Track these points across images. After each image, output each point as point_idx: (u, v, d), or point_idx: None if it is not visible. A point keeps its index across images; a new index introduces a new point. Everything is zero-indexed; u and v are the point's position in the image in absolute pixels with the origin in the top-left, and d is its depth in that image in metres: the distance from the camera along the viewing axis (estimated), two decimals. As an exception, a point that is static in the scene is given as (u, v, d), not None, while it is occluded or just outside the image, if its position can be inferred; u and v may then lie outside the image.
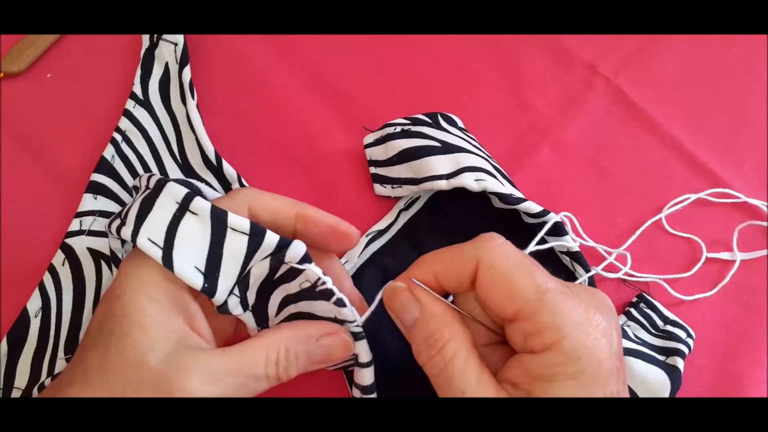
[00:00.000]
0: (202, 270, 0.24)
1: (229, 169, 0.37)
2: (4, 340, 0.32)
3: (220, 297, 0.25)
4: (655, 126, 0.44)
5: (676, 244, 0.40)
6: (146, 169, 0.38)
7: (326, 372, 0.34)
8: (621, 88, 0.45)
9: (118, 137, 0.38)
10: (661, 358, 0.34)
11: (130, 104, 0.39)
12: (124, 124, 0.39)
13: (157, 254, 0.24)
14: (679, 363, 0.33)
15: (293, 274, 0.26)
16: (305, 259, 0.25)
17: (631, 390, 0.33)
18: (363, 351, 0.27)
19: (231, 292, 0.25)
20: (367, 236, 0.36)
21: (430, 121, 0.38)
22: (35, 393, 0.30)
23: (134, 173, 0.37)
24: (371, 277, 0.35)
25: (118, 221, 0.26)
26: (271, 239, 0.25)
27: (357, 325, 0.27)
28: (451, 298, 0.27)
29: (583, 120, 0.44)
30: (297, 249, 0.25)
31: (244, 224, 0.25)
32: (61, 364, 0.32)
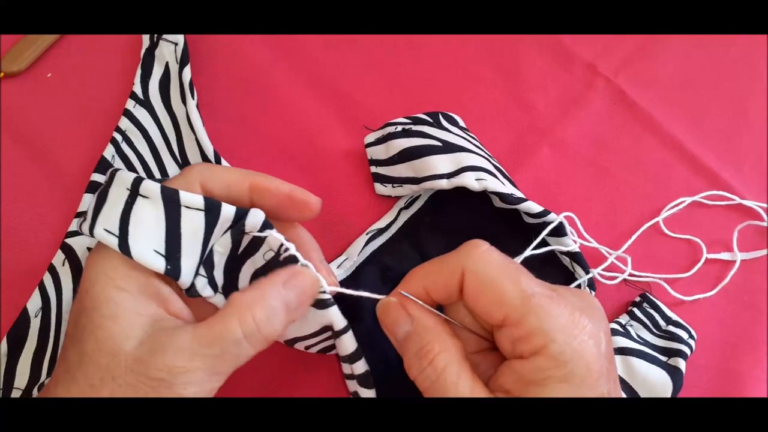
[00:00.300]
0: (163, 253, 0.24)
1: (229, 169, 0.37)
2: (4, 340, 0.32)
3: (186, 279, 0.24)
4: (655, 126, 0.44)
5: (676, 244, 0.40)
6: (146, 168, 0.38)
7: (326, 372, 0.34)
8: (621, 88, 0.45)
9: (118, 137, 0.38)
10: (663, 358, 0.34)
11: (130, 104, 0.39)
12: (125, 123, 0.39)
13: (114, 243, 0.24)
14: (681, 364, 0.33)
15: (256, 244, 0.26)
16: (266, 225, 0.25)
17: (632, 390, 0.33)
18: (336, 318, 0.26)
19: (197, 273, 0.25)
20: (367, 234, 0.36)
21: (431, 121, 0.38)
22: (35, 393, 0.30)
23: (134, 173, 0.37)
24: (371, 275, 0.35)
25: (82, 219, 0.26)
26: (228, 211, 0.25)
27: (324, 292, 0.26)
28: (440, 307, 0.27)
29: (583, 120, 0.44)
30: (255, 216, 0.25)
31: (198, 200, 0.24)
32: (61, 364, 0.32)
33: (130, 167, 0.38)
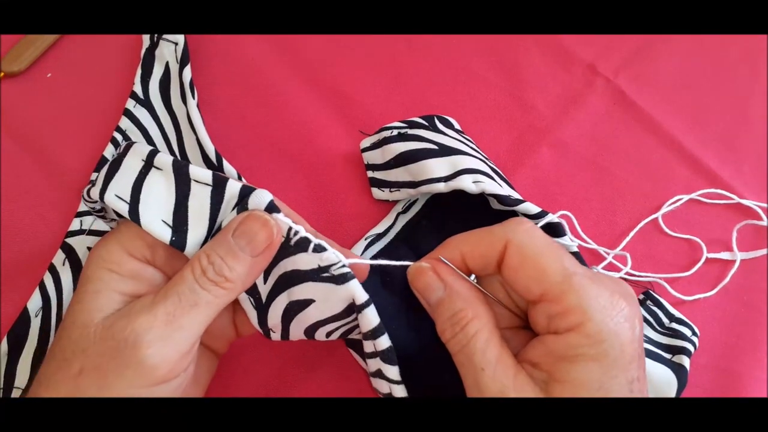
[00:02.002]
0: (170, 223, 0.24)
1: (229, 169, 0.37)
2: (5, 340, 0.32)
3: (191, 250, 0.25)
4: (655, 126, 0.44)
5: (676, 244, 0.40)
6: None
7: (326, 372, 0.34)
8: (621, 88, 0.45)
9: (118, 137, 0.38)
10: (667, 356, 0.34)
11: (130, 104, 0.39)
12: (125, 123, 0.39)
13: (124, 209, 0.24)
14: (685, 361, 0.33)
15: None
16: (271, 208, 0.25)
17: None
18: (357, 290, 0.26)
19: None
20: (365, 240, 0.36)
21: (427, 124, 0.38)
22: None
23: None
24: (370, 280, 0.35)
25: (89, 185, 0.26)
26: (234, 186, 0.25)
27: (342, 265, 0.25)
28: (473, 278, 0.27)
29: (583, 120, 0.44)
30: (261, 197, 0.25)
31: (206, 175, 0.25)
32: (61, 364, 0.32)
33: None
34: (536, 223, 0.33)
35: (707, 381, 0.36)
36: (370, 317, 0.26)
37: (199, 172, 0.25)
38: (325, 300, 0.26)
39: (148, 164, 0.25)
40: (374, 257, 0.36)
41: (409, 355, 0.31)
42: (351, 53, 0.44)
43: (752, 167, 0.43)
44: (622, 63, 0.46)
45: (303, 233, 0.25)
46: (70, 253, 0.35)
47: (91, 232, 0.35)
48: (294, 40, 0.44)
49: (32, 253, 0.35)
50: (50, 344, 0.25)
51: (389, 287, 0.33)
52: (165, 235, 0.24)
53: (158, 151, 0.25)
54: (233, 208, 0.25)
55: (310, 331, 0.28)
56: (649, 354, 0.33)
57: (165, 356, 0.23)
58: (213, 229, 0.25)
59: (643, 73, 0.46)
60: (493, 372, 0.23)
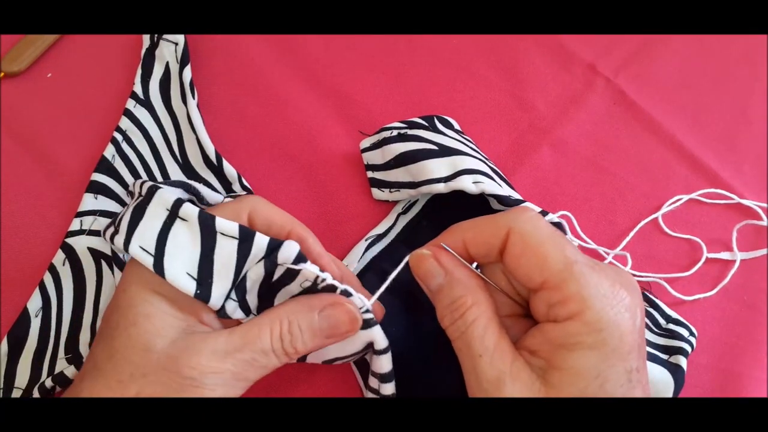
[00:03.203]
0: (195, 276, 0.24)
1: (229, 169, 0.37)
2: (5, 340, 0.32)
3: (216, 302, 0.25)
4: (655, 126, 0.44)
5: (676, 244, 0.40)
6: (147, 168, 0.38)
7: (326, 372, 0.34)
8: (621, 88, 0.45)
9: (118, 137, 0.38)
10: (664, 356, 0.34)
11: (130, 104, 0.39)
12: (125, 123, 0.39)
13: (149, 262, 0.24)
14: (682, 362, 0.33)
15: (291, 275, 0.26)
16: (299, 258, 0.25)
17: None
18: (378, 337, 0.26)
19: (228, 297, 0.25)
20: (366, 240, 0.36)
21: (427, 124, 0.38)
22: (35, 393, 0.30)
23: (135, 173, 0.38)
24: (371, 281, 0.35)
25: (111, 229, 0.26)
26: (261, 241, 0.25)
27: (367, 310, 0.26)
28: (475, 266, 0.27)
29: (583, 120, 0.44)
30: (290, 249, 0.25)
31: (233, 228, 0.25)
32: (61, 364, 0.32)
33: (131, 167, 0.38)
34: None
35: (707, 381, 0.36)
36: (384, 363, 0.27)
37: (225, 225, 0.25)
38: (347, 342, 0.27)
39: (173, 214, 0.25)
40: (375, 258, 0.36)
41: (409, 357, 0.31)
42: (351, 53, 0.44)
43: (752, 167, 0.43)
44: (622, 63, 0.46)
45: (330, 280, 0.25)
46: (70, 253, 0.35)
47: (91, 232, 0.35)
48: (294, 40, 0.44)
49: (32, 253, 0.35)
50: (93, 361, 0.24)
51: (391, 289, 0.33)
52: (190, 288, 0.24)
53: (183, 201, 0.25)
54: (259, 260, 0.25)
55: (329, 362, 0.29)
56: (646, 355, 0.33)
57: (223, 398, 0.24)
58: (236, 281, 0.25)
59: (643, 73, 0.46)
60: (490, 358, 0.23)
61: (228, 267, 0.25)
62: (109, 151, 0.38)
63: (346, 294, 0.26)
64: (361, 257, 0.35)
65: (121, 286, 0.25)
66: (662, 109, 0.45)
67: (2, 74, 0.40)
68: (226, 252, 0.25)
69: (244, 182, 0.37)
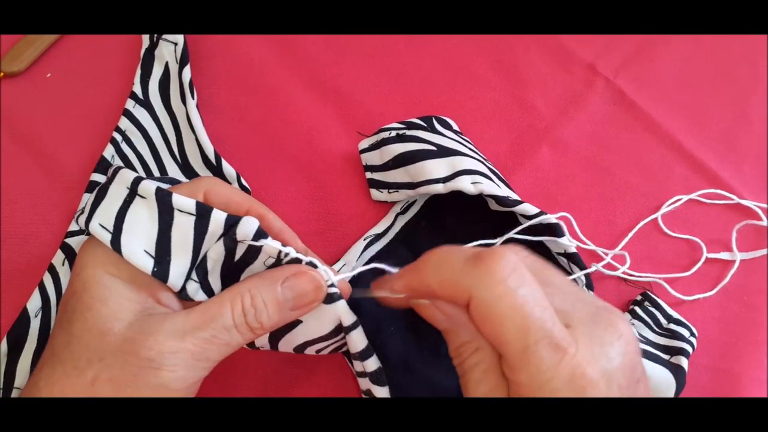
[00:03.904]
0: (152, 254, 0.24)
1: (228, 169, 0.37)
2: (4, 340, 0.32)
3: (174, 282, 0.24)
4: (655, 126, 0.44)
5: (676, 244, 0.40)
6: (146, 168, 0.38)
7: (326, 372, 0.34)
8: (621, 88, 0.45)
9: (118, 137, 0.38)
10: (665, 357, 0.34)
11: (130, 104, 0.39)
12: (124, 123, 0.39)
13: (107, 238, 0.24)
14: (684, 362, 0.33)
15: (253, 253, 0.25)
16: (260, 234, 0.24)
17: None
18: (343, 312, 0.26)
19: (188, 278, 0.25)
20: (364, 240, 0.36)
21: (425, 125, 0.38)
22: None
23: (135, 172, 0.37)
24: (369, 280, 0.35)
25: (80, 212, 0.26)
26: (219, 217, 0.24)
27: (332, 285, 0.26)
28: None
29: (583, 120, 0.44)
30: (248, 225, 0.24)
31: (189, 204, 0.24)
32: (61, 364, 0.32)
33: (130, 167, 0.38)
34: (534, 225, 0.33)
35: (707, 381, 0.36)
36: (357, 340, 0.26)
37: (182, 201, 0.24)
38: (313, 320, 0.26)
39: (133, 192, 0.24)
40: (373, 258, 0.36)
41: (407, 357, 0.31)
42: (351, 53, 0.44)
43: (752, 167, 0.43)
44: (622, 63, 0.46)
45: (294, 254, 0.25)
46: (70, 254, 0.35)
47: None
48: (294, 40, 0.44)
49: (32, 253, 0.35)
50: (51, 348, 0.24)
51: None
52: (147, 265, 0.23)
53: (143, 178, 0.25)
54: (219, 238, 0.25)
55: (299, 349, 0.28)
56: (647, 355, 0.33)
57: (186, 381, 0.23)
58: (196, 260, 0.25)
59: (643, 73, 0.46)
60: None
61: (186, 244, 0.24)
62: (109, 152, 0.38)
63: (312, 266, 0.25)
64: (359, 256, 0.35)
65: (75, 269, 0.25)
66: (662, 109, 0.45)
67: (2, 74, 0.40)
68: (183, 229, 0.24)
69: (244, 182, 0.37)
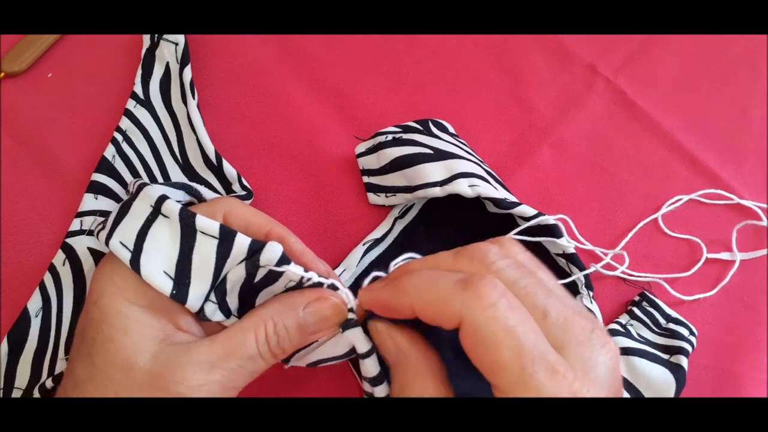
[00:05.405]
0: (172, 275, 0.23)
1: (229, 169, 0.37)
2: (5, 340, 0.32)
3: (193, 304, 0.24)
4: (655, 126, 0.44)
5: (676, 244, 0.40)
6: (147, 168, 0.38)
7: (327, 372, 0.34)
8: (621, 88, 0.45)
9: (118, 137, 0.38)
10: (665, 356, 0.34)
11: (130, 104, 0.39)
12: (125, 123, 0.39)
13: (126, 257, 0.23)
14: (683, 361, 0.33)
15: (274, 276, 0.25)
16: (283, 260, 0.24)
17: (636, 390, 0.33)
18: (358, 340, 0.26)
19: (207, 299, 0.24)
20: (363, 245, 0.36)
21: (421, 128, 0.38)
22: (35, 393, 0.30)
23: (135, 173, 0.38)
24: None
25: (101, 227, 0.26)
26: (242, 242, 0.24)
27: (350, 309, 0.26)
28: None
29: (583, 120, 0.44)
30: (273, 251, 0.24)
31: (213, 227, 0.24)
32: (61, 365, 0.32)
33: (131, 167, 0.38)
34: (532, 226, 0.33)
35: (707, 381, 0.36)
36: (370, 367, 0.26)
37: (206, 224, 0.24)
38: (331, 345, 0.27)
39: (156, 211, 0.24)
40: (372, 263, 0.36)
41: None
42: (351, 53, 0.44)
43: (752, 167, 0.43)
44: (622, 63, 0.46)
45: (316, 278, 0.25)
46: (70, 253, 0.35)
47: (92, 233, 0.35)
48: (294, 40, 0.44)
49: (32, 253, 0.35)
50: (74, 379, 0.23)
51: None
52: (166, 287, 0.23)
53: (167, 198, 0.24)
54: (240, 262, 0.24)
55: (312, 365, 0.28)
56: (647, 355, 0.33)
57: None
58: (216, 283, 0.24)
59: (643, 73, 0.46)
60: None
61: (207, 267, 0.24)
62: (110, 152, 0.38)
63: (333, 288, 0.25)
64: (359, 262, 0.35)
65: (91, 296, 0.24)
66: (662, 109, 0.45)
67: (2, 74, 0.40)
68: (205, 251, 0.24)
69: (244, 182, 0.37)
